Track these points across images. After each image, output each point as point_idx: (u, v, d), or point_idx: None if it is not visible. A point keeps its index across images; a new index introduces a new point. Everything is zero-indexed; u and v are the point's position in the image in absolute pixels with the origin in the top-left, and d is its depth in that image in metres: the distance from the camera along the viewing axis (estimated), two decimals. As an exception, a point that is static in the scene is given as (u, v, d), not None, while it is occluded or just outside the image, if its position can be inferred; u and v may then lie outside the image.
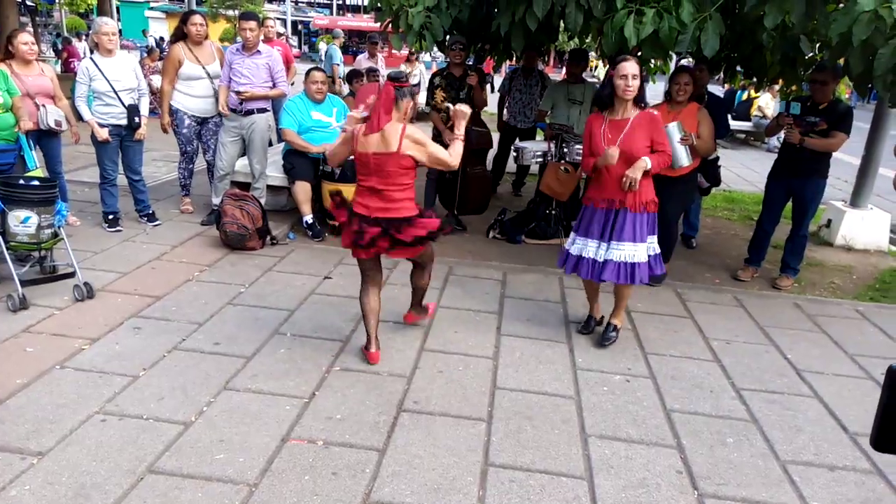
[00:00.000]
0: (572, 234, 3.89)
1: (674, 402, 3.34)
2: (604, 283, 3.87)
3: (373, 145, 3.16)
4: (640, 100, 3.58)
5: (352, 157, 3.39)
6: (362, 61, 9.50)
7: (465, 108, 3.36)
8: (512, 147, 6.78)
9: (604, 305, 4.09)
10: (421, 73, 12.91)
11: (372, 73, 8.01)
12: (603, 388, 3.43)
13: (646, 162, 3.51)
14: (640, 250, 3.65)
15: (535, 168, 6.76)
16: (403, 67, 12.67)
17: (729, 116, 9.61)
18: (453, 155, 3.31)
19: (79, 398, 2.98)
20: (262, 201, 5.49)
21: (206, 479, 2.52)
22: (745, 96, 13.88)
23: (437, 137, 5.80)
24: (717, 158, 5.40)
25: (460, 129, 3.36)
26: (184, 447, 2.70)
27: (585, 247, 3.76)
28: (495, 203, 6.56)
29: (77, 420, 2.82)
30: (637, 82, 3.47)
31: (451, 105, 3.51)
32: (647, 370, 3.66)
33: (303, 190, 5.41)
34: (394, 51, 12.89)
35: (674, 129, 4.22)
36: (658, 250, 3.79)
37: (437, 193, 6.02)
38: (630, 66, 3.44)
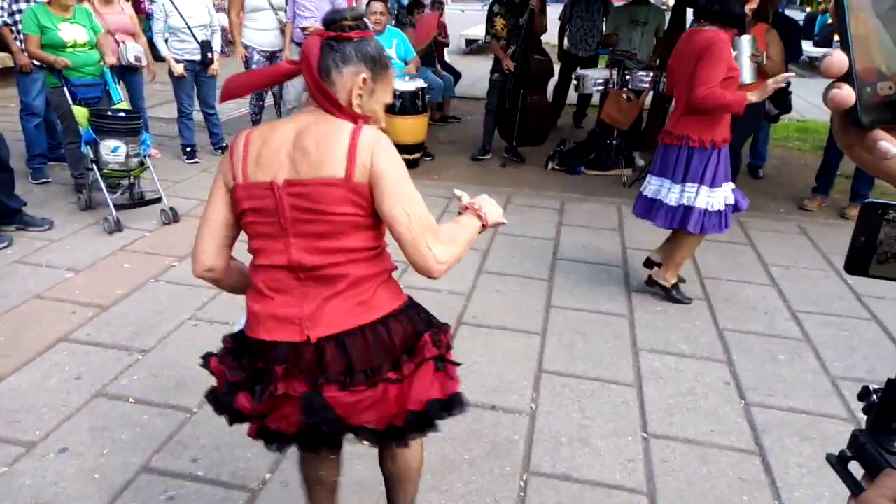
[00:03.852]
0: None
1: (727, 322, 3.42)
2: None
3: (279, 165, 1.37)
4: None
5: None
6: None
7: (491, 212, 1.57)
8: (573, 75, 6.69)
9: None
10: None
11: (437, 1, 7.71)
12: (657, 308, 3.54)
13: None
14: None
15: (596, 100, 6.67)
16: None
17: (810, 42, 9.05)
18: (456, 238, 1.45)
19: (173, 306, 3.33)
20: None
21: (287, 376, 2.81)
22: (830, 20, 12.99)
23: (497, 67, 5.77)
24: (789, 84, 5.19)
25: (482, 211, 1.54)
26: (266, 349, 3.00)
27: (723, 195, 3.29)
28: (555, 135, 6.55)
29: (173, 324, 3.17)
30: None
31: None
32: (702, 292, 3.73)
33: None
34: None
35: (746, 42, 4.04)
36: None
37: (495, 125, 6.05)
38: None
